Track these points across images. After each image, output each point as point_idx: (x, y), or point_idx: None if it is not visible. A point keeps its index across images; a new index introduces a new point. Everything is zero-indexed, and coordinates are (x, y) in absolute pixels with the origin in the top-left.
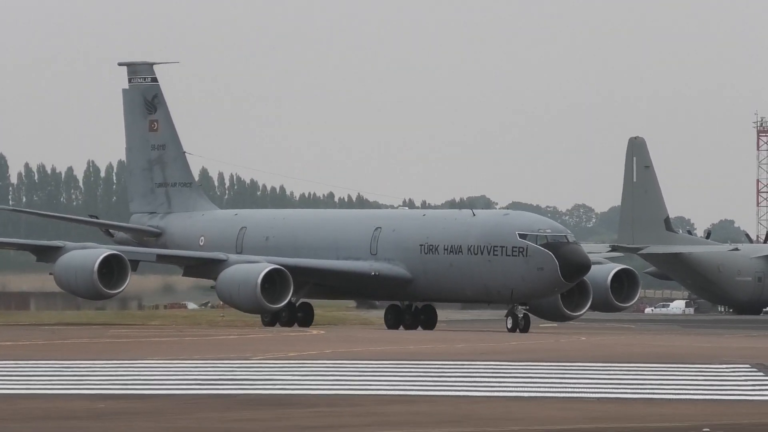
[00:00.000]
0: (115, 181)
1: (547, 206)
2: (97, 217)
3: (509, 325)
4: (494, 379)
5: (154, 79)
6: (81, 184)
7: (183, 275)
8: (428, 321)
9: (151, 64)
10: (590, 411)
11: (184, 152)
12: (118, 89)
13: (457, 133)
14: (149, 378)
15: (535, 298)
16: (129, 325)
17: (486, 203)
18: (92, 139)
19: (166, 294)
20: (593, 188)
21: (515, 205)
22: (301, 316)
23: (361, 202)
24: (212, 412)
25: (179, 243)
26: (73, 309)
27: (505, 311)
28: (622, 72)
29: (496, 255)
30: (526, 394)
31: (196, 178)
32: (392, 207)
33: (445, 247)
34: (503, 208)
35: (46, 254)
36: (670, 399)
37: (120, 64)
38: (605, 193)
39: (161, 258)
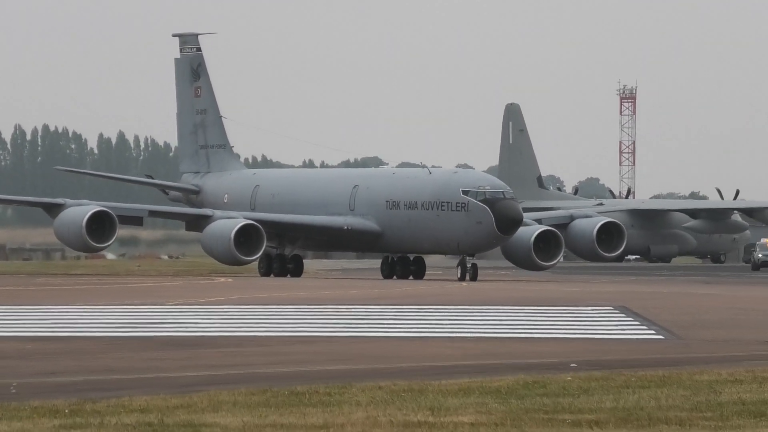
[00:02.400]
0: (39, 144)
1: (433, 165)
2: (152, 177)
3: (459, 275)
4: (385, 321)
5: (198, 49)
6: (9, 146)
7: (186, 230)
8: (418, 271)
9: (197, 35)
10: (470, 349)
11: (221, 116)
12: (62, 54)
13: (352, 96)
14: (72, 322)
15: (478, 250)
16: (53, 274)
17: (378, 162)
18: (18, 103)
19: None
20: (474, 149)
21: (405, 165)
22: (292, 268)
23: (266, 162)
24: (130, 352)
25: (210, 200)
26: (2, 259)
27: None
28: (498, 41)
29: (443, 210)
30: (413, 335)
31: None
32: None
33: (405, 204)
34: (396, 167)
35: (52, 211)
36: (541, 338)
37: (174, 35)
38: (485, 153)
39: (153, 213)
